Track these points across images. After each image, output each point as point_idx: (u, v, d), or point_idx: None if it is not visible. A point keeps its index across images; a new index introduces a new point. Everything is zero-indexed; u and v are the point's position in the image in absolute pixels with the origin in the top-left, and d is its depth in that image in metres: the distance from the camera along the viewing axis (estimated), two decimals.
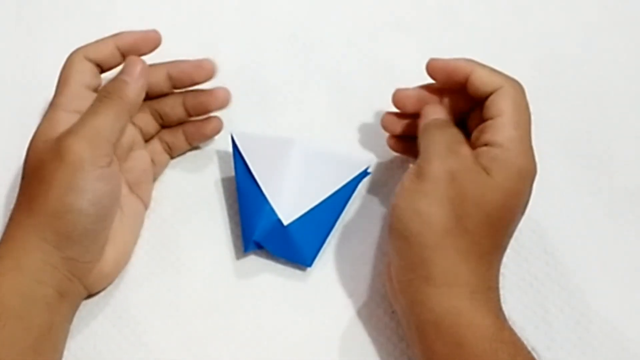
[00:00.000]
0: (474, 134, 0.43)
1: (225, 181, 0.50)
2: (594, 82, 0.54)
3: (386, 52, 0.55)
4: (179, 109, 0.49)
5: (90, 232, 0.42)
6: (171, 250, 0.47)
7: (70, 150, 0.41)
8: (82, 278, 0.43)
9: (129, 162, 0.47)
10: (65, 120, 0.43)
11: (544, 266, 0.48)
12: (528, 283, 0.47)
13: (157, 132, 0.50)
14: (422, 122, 0.44)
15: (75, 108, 0.43)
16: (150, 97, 0.48)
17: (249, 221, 0.47)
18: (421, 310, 0.40)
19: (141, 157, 0.48)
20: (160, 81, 0.48)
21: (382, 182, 0.50)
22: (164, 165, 0.51)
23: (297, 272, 0.47)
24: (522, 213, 0.42)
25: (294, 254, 0.46)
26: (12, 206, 0.42)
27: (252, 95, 0.53)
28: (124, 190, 0.46)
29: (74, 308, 0.44)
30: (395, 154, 0.50)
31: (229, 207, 0.49)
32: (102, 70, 0.46)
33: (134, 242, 0.47)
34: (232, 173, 0.49)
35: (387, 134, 0.49)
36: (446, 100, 0.46)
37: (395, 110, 0.47)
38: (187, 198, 0.50)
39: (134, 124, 0.48)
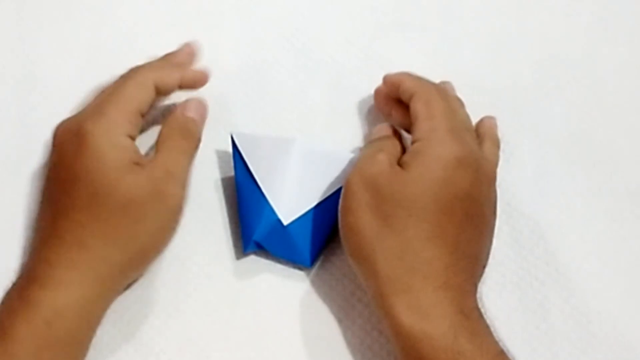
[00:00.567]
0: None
1: (225, 181, 0.50)
2: (594, 82, 0.54)
3: (386, 52, 0.55)
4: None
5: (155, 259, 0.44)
6: (171, 250, 0.47)
7: (172, 196, 0.42)
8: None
9: None
10: (123, 143, 0.42)
11: (544, 266, 0.47)
12: (528, 283, 0.47)
13: None
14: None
15: (127, 132, 0.43)
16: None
17: (248, 221, 0.47)
18: (390, 324, 0.40)
19: None
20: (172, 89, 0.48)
21: None
22: None
23: (297, 272, 0.47)
24: (482, 197, 0.42)
25: (294, 254, 0.46)
26: (9, 206, 0.42)
27: (252, 95, 0.53)
28: None
29: None
30: None
31: (229, 207, 0.49)
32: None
33: None
34: (232, 173, 0.49)
35: None
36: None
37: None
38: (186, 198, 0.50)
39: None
